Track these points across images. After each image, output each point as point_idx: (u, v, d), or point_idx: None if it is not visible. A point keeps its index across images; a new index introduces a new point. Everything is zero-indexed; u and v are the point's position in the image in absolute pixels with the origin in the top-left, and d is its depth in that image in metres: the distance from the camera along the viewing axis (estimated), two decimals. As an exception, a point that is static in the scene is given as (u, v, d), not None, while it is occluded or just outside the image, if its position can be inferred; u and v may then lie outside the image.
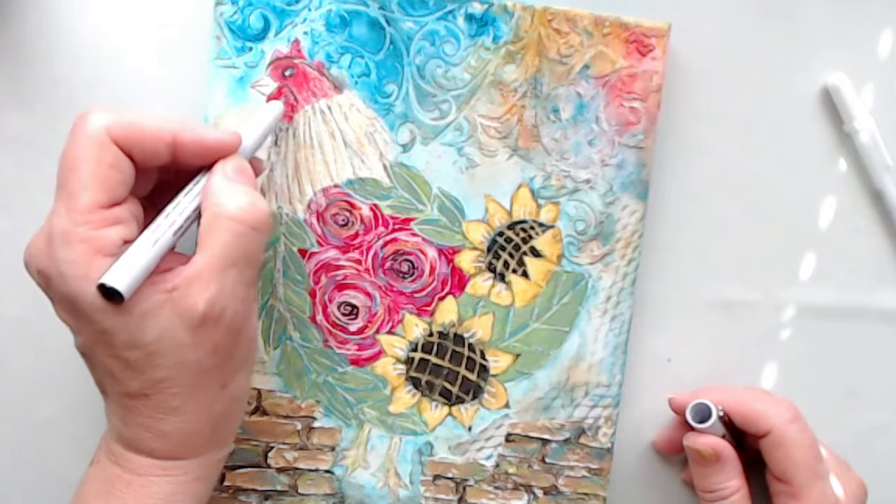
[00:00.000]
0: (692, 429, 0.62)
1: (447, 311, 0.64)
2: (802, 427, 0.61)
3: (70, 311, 0.50)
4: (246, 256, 0.52)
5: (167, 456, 0.53)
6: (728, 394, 0.64)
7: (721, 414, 0.62)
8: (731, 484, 0.62)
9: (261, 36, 0.61)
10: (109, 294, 0.48)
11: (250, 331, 0.55)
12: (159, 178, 0.57)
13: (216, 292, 0.50)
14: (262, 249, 0.54)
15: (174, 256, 0.52)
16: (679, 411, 0.65)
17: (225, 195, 0.52)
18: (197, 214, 0.53)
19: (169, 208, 0.52)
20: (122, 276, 0.48)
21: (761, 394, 0.64)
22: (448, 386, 0.64)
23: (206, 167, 0.54)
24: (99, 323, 0.49)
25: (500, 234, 0.63)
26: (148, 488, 0.53)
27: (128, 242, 0.50)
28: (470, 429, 0.65)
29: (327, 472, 0.65)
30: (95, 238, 0.49)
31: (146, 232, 0.51)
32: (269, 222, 0.54)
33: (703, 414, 0.62)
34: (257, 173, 0.60)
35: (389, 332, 0.64)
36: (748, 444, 0.64)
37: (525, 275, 0.64)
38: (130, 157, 0.51)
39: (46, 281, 0.50)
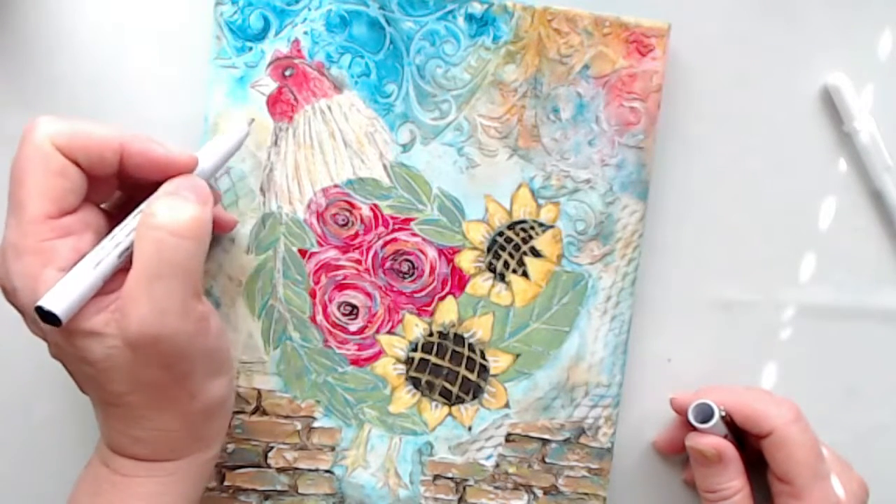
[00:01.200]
0: (694, 429, 0.62)
1: (447, 311, 0.64)
2: (804, 427, 0.61)
3: (29, 324, 0.51)
4: (173, 267, 0.49)
5: (149, 458, 0.53)
6: (729, 394, 0.64)
7: (723, 414, 0.62)
8: (734, 484, 0.61)
9: (261, 36, 0.61)
10: (48, 317, 0.47)
11: (209, 342, 0.52)
12: (127, 192, 0.56)
13: (146, 310, 0.48)
14: (197, 258, 0.50)
15: (123, 276, 0.50)
16: (680, 411, 0.65)
17: (154, 205, 0.50)
18: None
19: (116, 229, 0.51)
20: (59, 300, 0.47)
21: (763, 394, 0.64)
22: (448, 386, 0.64)
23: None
24: (50, 336, 0.50)
25: (500, 234, 0.63)
26: (133, 489, 0.53)
27: (82, 253, 0.50)
28: (470, 429, 0.65)
29: (327, 472, 0.65)
30: (46, 250, 0.48)
31: (90, 254, 0.50)
32: (195, 227, 0.50)
33: (706, 414, 0.62)
34: (226, 228, 0.61)
35: (389, 332, 0.64)
36: (750, 445, 0.64)
37: (525, 275, 0.64)
38: (77, 164, 0.50)
39: (6, 293, 0.50)
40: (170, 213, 0.49)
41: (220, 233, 0.61)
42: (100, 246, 0.50)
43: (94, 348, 0.49)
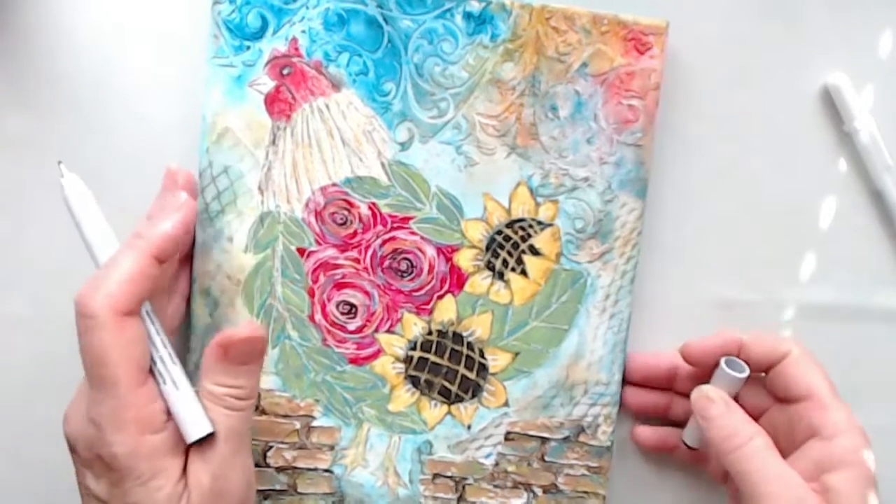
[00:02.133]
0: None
1: (446, 310, 0.64)
2: (817, 361, 0.62)
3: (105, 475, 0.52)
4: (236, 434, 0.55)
5: None
6: (741, 334, 0.63)
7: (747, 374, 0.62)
8: (750, 428, 0.60)
9: (258, 35, 0.61)
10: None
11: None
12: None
13: (216, 469, 0.53)
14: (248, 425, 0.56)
15: None
16: (692, 360, 0.64)
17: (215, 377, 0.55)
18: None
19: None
20: (198, 423, 0.53)
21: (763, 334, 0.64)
22: (447, 384, 0.64)
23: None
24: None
25: (499, 232, 0.63)
26: None
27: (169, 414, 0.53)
28: (469, 427, 0.65)
29: (326, 471, 0.65)
30: (143, 418, 0.51)
31: (167, 385, 0.54)
32: (248, 404, 0.56)
33: (738, 367, 0.62)
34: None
35: (388, 331, 0.64)
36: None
37: (524, 273, 0.64)
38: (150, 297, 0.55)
39: (93, 456, 0.52)
40: (230, 391, 0.55)
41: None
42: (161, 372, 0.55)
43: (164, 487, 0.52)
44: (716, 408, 0.60)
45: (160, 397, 0.53)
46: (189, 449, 0.53)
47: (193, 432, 0.52)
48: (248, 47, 0.61)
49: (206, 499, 0.52)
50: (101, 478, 0.52)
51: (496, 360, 0.64)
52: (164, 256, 0.55)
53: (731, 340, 0.63)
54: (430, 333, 0.64)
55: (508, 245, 0.63)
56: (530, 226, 0.63)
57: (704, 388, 0.61)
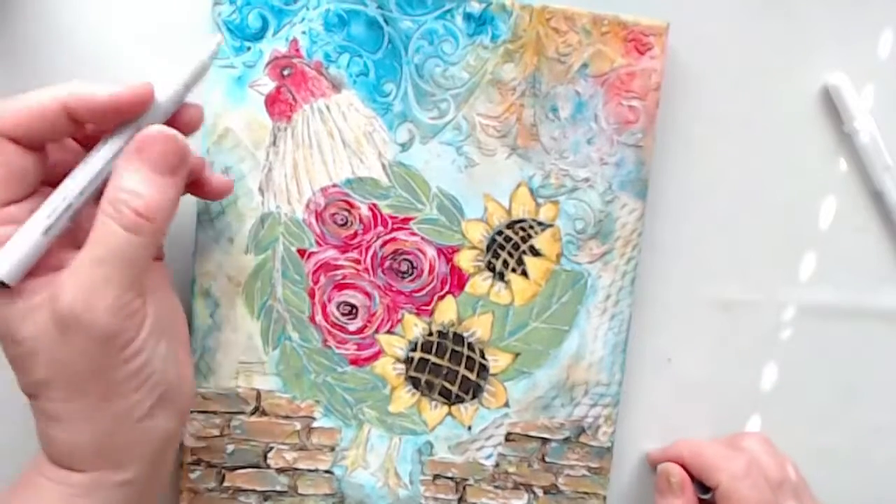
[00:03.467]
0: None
1: (446, 311, 0.64)
2: (753, 484, 0.62)
3: None
4: (118, 258, 0.48)
5: (57, 462, 0.52)
6: (692, 447, 0.65)
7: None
8: None
9: (259, 35, 0.61)
10: None
11: (138, 350, 0.51)
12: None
13: (78, 291, 0.47)
14: (148, 251, 0.50)
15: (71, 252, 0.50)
16: (654, 467, 0.67)
17: (114, 180, 0.50)
18: (99, 190, 0.50)
19: (66, 184, 0.50)
20: (3, 263, 0.48)
21: (721, 447, 0.65)
22: (448, 385, 0.64)
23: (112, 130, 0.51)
24: None
25: (500, 233, 0.63)
26: (40, 492, 0.52)
27: None
28: (470, 428, 0.65)
29: (327, 472, 0.65)
30: None
31: (38, 214, 0.49)
32: (154, 224, 0.49)
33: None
34: (193, 125, 0.55)
35: (389, 332, 0.64)
36: None
37: (524, 274, 0.64)
38: (19, 143, 0.49)
39: None
40: (119, 195, 0.49)
41: (214, 199, 0.60)
42: (50, 205, 0.49)
43: (27, 324, 0.49)
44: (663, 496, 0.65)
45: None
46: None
47: None
48: (249, 48, 0.61)
49: (58, 317, 0.48)
50: None
51: (497, 361, 0.64)
52: (81, 115, 0.49)
53: (675, 457, 0.66)
54: (430, 334, 0.64)
55: (509, 246, 0.63)
56: (531, 226, 0.63)
57: (670, 467, 0.65)
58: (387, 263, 0.63)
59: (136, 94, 0.50)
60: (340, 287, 0.63)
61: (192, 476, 0.63)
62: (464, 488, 0.65)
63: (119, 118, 0.51)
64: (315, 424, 0.64)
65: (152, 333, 0.51)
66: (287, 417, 0.64)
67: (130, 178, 0.49)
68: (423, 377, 0.64)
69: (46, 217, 0.49)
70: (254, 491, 0.64)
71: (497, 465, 0.65)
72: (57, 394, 0.50)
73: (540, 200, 0.63)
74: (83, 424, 0.51)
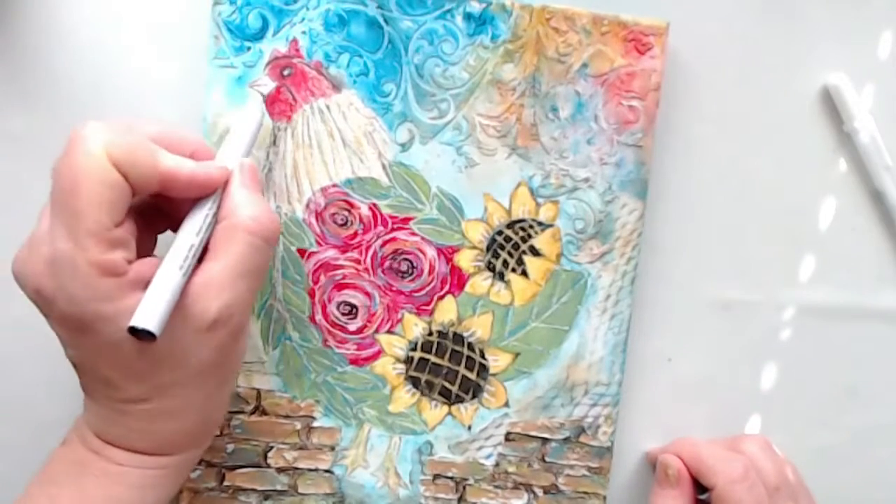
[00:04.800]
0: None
1: (446, 311, 0.64)
2: (749, 486, 0.62)
3: (76, 330, 0.50)
4: (257, 268, 0.53)
5: (148, 452, 0.54)
6: (691, 447, 0.65)
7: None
8: None
9: (259, 35, 0.61)
10: (139, 332, 0.48)
11: (247, 333, 0.56)
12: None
13: (229, 300, 0.51)
14: (269, 261, 0.56)
15: None
16: (654, 465, 0.67)
17: (243, 206, 0.53)
18: (212, 229, 0.54)
19: (186, 233, 0.53)
20: (152, 317, 0.48)
21: (719, 449, 0.65)
22: (448, 385, 0.64)
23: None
24: (109, 339, 0.49)
25: (500, 232, 0.63)
26: (122, 476, 0.53)
27: (130, 262, 0.50)
28: (470, 428, 0.65)
29: (327, 471, 0.65)
30: (103, 262, 0.48)
31: (167, 260, 0.51)
32: (279, 235, 0.56)
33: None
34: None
35: (389, 332, 0.64)
36: None
37: (524, 274, 0.64)
38: (126, 179, 0.49)
39: (48, 302, 0.50)
40: (254, 214, 0.53)
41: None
42: (177, 252, 0.51)
43: (157, 343, 0.50)
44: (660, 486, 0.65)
45: (125, 255, 0.50)
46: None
47: (142, 320, 0.48)
48: (249, 48, 0.61)
49: (204, 325, 0.51)
50: (67, 327, 0.51)
51: (497, 361, 0.64)
52: (178, 187, 0.53)
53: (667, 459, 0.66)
54: (430, 334, 0.64)
55: (509, 246, 0.63)
56: (531, 226, 0.63)
57: (668, 458, 0.65)
58: (387, 263, 0.63)
59: (223, 177, 0.55)
60: (340, 287, 0.63)
61: (193, 475, 0.64)
62: (464, 488, 0.65)
63: (198, 194, 0.54)
64: (315, 424, 0.64)
65: None
66: (287, 417, 0.64)
67: (257, 203, 0.54)
68: (423, 377, 0.64)
69: (179, 264, 0.51)
70: (254, 490, 0.64)
71: (497, 464, 0.65)
72: (179, 391, 0.53)
73: (540, 200, 0.63)
74: (195, 414, 0.55)
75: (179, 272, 0.50)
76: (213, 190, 0.54)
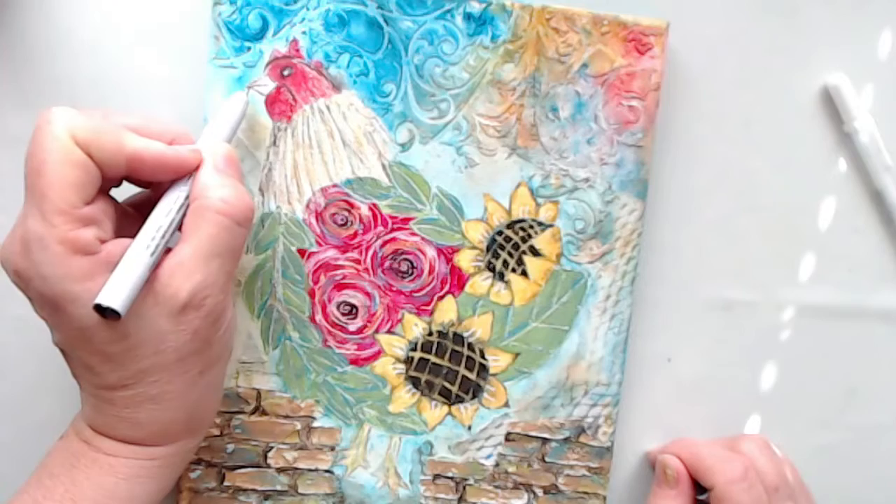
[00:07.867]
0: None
1: (446, 311, 0.64)
2: (748, 486, 0.62)
3: (51, 311, 0.51)
4: (229, 249, 0.53)
5: (139, 443, 0.54)
6: (690, 448, 0.65)
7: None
8: None
9: (259, 36, 0.61)
10: (106, 312, 0.48)
11: (227, 320, 0.55)
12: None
13: (200, 281, 0.51)
14: (244, 242, 0.55)
15: None
16: (654, 465, 0.67)
17: (214, 188, 0.53)
18: (184, 211, 0.54)
19: (157, 214, 0.53)
20: (117, 295, 0.48)
21: (719, 449, 0.65)
22: (448, 385, 0.64)
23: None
24: (80, 321, 0.50)
25: (500, 233, 0.63)
26: (113, 467, 0.53)
27: (104, 241, 0.50)
28: (470, 428, 0.65)
29: (327, 471, 0.65)
30: (72, 239, 0.49)
31: (137, 241, 0.51)
32: (252, 217, 0.55)
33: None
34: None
35: (389, 332, 0.64)
36: None
37: (524, 274, 0.64)
38: (92, 158, 0.50)
39: (25, 282, 0.50)
40: (225, 196, 0.53)
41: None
42: (145, 232, 0.52)
43: (130, 321, 0.50)
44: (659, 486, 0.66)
45: (97, 234, 0.50)
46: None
47: (107, 298, 0.48)
48: (249, 48, 0.61)
49: (176, 308, 0.51)
50: (43, 307, 0.51)
51: (497, 361, 0.64)
52: (147, 167, 0.53)
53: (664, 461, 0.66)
54: (430, 334, 0.64)
55: (509, 246, 0.63)
56: (531, 226, 0.63)
57: (667, 458, 0.66)
58: (387, 263, 0.63)
59: (195, 159, 0.55)
60: (340, 287, 0.63)
61: (192, 475, 0.64)
62: (464, 488, 0.65)
63: (170, 177, 0.55)
64: (315, 424, 0.64)
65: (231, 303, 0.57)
66: (287, 417, 0.64)
67: (218, 185, 0.54)
68: (423, 377, 0.64)
69: (147, 244, 0.51)
70: (254, 490, 0.64)
71: (497, 464, 0.65)
72: (159, 376, 0.53)
73: (540, 200, 0.63)
74: (179, 401, 0.54)
75: (146, 251, 0.50)
76: (186, 172, 0.54)
